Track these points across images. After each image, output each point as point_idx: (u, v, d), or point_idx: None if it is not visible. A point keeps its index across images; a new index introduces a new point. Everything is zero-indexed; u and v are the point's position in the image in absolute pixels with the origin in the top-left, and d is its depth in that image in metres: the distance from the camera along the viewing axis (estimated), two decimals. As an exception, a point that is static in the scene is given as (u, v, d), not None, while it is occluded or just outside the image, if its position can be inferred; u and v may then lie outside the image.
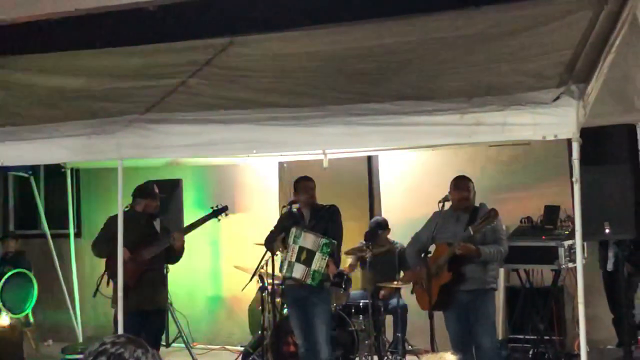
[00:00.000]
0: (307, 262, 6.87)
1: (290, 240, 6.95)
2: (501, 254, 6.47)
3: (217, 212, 7.46)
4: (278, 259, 7.24)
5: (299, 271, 6.91)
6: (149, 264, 7.07)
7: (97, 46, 8.15)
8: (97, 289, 7.30)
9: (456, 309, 6.53)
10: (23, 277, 9.21)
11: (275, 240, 7.10)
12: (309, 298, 6.98)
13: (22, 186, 11.05)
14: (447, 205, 6.79)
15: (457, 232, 6.51)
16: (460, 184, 6.68)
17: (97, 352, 2.57)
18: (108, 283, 7.16)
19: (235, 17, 8.34)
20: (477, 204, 6.72)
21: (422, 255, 6.75)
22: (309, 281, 6.86)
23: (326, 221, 7.06)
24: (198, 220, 7.42)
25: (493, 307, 6.58)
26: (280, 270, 7.10)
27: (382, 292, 8.27)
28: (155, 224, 7.34)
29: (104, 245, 7.15)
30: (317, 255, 6.83)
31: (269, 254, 7.36)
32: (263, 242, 7.35)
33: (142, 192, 7.35)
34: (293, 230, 6.96)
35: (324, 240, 6.84)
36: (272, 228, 7.38)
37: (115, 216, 6.86)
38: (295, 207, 7.20)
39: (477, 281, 6.44)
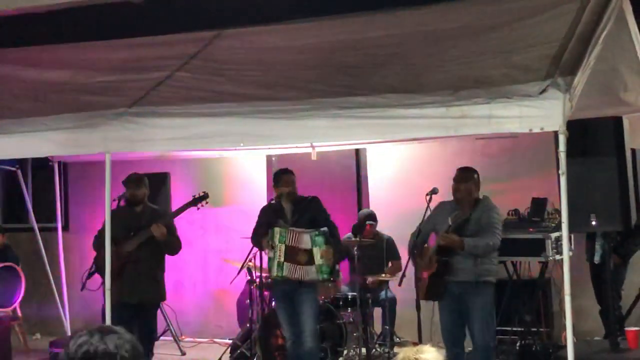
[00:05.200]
0: (307, 262, 6.83)
1: (276, 239, 6.87)
2: (489, 246, 6.32)
3: (197, 200, 7.36)
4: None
5: (290, 270, 6.86)
6: (129, 256, 7.01)
7: (84, 39, 8.12)
8: (84, 284, 7.29)
9: (448, 300, 6.43)
10: (10, 271, 9.18)
11: (261, 241, 7.06)
12: (296, 291, 6.96)
13: (9, 180, 11.01)
14: (435, 197, 6.84)
15: (455, 223, 6.46)
16: (458, 175, 6.57)
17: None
18: (90, 276, 7.17)
19: (222, 10, 8.33)
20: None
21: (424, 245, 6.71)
22: (320, 276, 6.80)
23: (311, 213, 7.00)
24: (178, 209, 7.38)
25: (487, 299, 6.38)
26: (270, 272, 7.04)
27: (369, 279, 8.25)
28: (143, 215, 7.26)
29: (101, 239, 7.16)
30: (315, 250, 6.77)
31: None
32: (250, 235, 7.35)
33: (123, 182, 7.30)
34: (277, 229, 6.88)
35: (314, 233, 6.78)
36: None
37: (113, 210, 6.85)
38: (273, 200, 7.17)
39: (468, 273, 6.32)
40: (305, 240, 6.81)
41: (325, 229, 6.85)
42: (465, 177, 6.55)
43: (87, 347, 2.47)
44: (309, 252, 6.79)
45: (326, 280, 6.95)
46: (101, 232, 7.23)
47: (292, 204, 7.03)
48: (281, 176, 7.10)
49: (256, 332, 7.85)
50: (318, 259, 6.77)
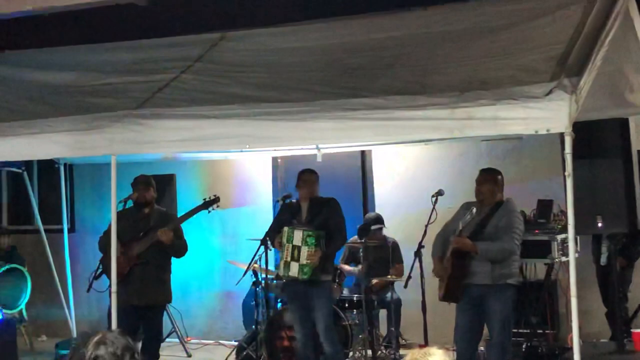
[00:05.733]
0: (297, 259, 6.88)
1: (284, 239, 6.94)
2: (504, 251, 6.21)
3: (208, 203, 7.36)
4: (272, 254, 7.24)
5: (294, 270, 6.90)
6: (137, 259, 7.02)
7: (89, 41, 8.13)
8: (90, 285, 7.30)
9: (467, 302, 6.35)
10: (16, 273, 9.19)
11: (274, 239, 7.12)
12: (308, 293, 6.98)
13: (15, 181, 11.02)
14: (440, 199, 6.85)
15: (473, 224, 6.39)
16: (480, 177, 6.52)
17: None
18: (97, 277, 7.18)
19: (226, 12, 8.34)
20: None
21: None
22: (300, 276, 6.86)
23: (325, 215, 7.03)
24: (189, 212, 7.38)
25: (506, 302, 6.26)
26: (278, 270, 7.09)
27: (374, 281, 8.24)
28: (152, 216, 7.26)
29: (105, 239, 7.20)
30: (303, 249, 6.82)
31: (262, 248, 7.37)
32: (256, 237, 7.36)
33: (132, 184, 7.32)
34: (286, 229, 6.95)
35: (307, 233, 6.83)
36: (265, 222, 7.40)
37: (120, 211, 6.87)
38: (287, 200, 7.23)
39: (485, 276, 6.23)
40: (297, 236, 6.84)
41: (321, 232, 6.88)
42: (487, 178, 6.49)
43: None
44: (298, 249, 6.81)
45: (305, 280, 6.92)
46: (107, 233, 7.25)
47: (309, 204, 7.07)
48: (301, 175, 7.21)
49: (262, 333, 7.85)
50: (303, 259, 6.80)
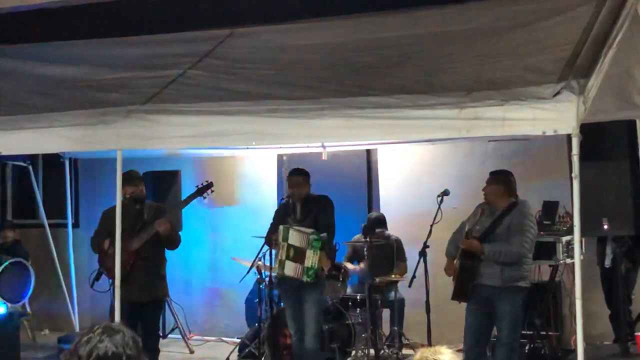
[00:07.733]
0: (299, 260, 6.84)
1: (280, 237, 6.93)
2: (512, 254, 6.19)
3: (202, 189, 7.31)
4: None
5: (290, 269, 6.89)
6: (137, 254, 6.94)
7: (98, 36, 8.13)
8: (93, 283, 7.30)
9: (476, 302, 6.36)
10: (20, 267, 9.19)
11: (271, 238, 7.12)
12: (302, 288, 6.97)
13: (20, 175, 11.04)
14: (446, 199, 6.85)
15: (484, 225, 6.41)
16: (490, 177, 6.54)
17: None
18: (98, 277, 7.17)
19: (235, 8, 8.33)
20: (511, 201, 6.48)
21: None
22: (304, 278, 6.83)
23: (316, 212, 7.03)
24: (184, 200, 7.37)
25: (515, 304, 6.28)
26: (274, 268, 7.10)
27: (377, 280, 8.23)
28: (145, 211, 7.22)
29: (96, 239, 7.17)
30: (308, 253, 6.77)
31: (266, 246, 7.36)
32: (260, 234, 7.37)
33: (124, 179, 7.26)
34: (281, 227, 6.94)
35: (313, 237, 6.77)
36: (270, 220, 7.39)
37: (108, 210, 6.90)
38: (285, 199, 7.24)
39: (494, 278, 6.23)
40: (301, 239, 6.82)
41: (324, 234, 6.86)
42: (492, 179, 6.51)
43: (97, 351, 2.56)
44: (302, 252, 6.79)
45: (309, 283, 6.90)
46: (98, 232, 7.23)
47: (302, 203, 7.07)
48: (289, 177, 7.23)
49: (264, 331, 7.85)
50: (309, 262, 6.77)
